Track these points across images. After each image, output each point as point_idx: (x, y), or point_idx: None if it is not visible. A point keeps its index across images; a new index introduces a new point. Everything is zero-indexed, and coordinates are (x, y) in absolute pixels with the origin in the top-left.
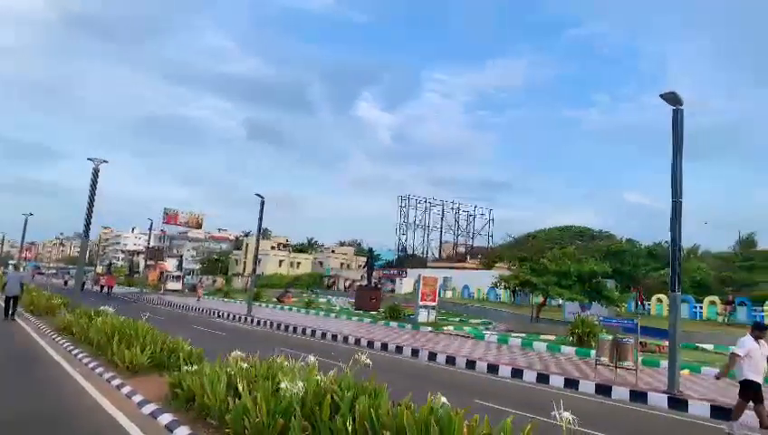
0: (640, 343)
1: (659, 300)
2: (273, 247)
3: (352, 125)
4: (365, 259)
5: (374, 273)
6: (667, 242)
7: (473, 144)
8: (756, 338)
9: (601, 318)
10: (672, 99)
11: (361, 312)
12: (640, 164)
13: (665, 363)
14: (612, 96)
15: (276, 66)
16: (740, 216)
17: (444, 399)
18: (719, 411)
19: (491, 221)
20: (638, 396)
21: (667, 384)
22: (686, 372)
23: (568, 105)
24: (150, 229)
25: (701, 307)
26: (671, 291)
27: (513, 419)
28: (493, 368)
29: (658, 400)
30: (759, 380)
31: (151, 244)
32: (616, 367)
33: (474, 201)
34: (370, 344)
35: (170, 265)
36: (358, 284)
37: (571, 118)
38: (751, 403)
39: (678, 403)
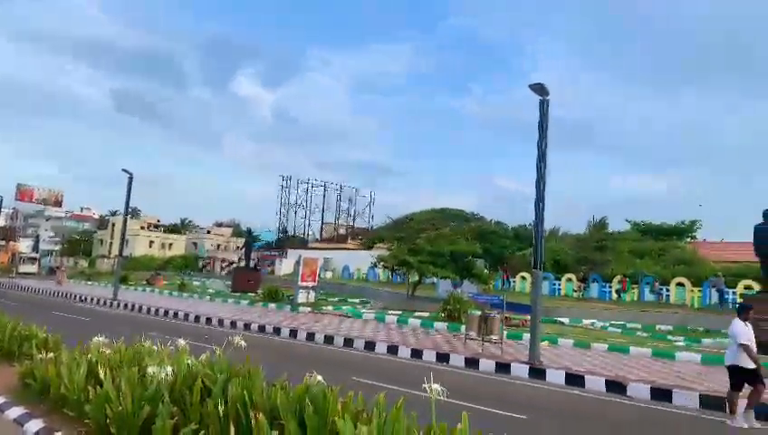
0: (506, 317)
1: (523, 277)
2: (142, 227)
3: (232, 102)
4: (243, 240)
5: (253, 254)
6: (531, 224)
7: (357, 127)
8: (745, 321)
9: (471, 295)
10: (539, 90)
11: (239, 294)
12: (511, 151)
13: (527, 336)
14: (487, 86)
15: (146, 34)
16: (594, 201)
17: (320, 377)
18: (572, 378)
19: (372, 203)
20: (503, 367)
21: (528, 356)
22: (545, 344)
23: (447, 93)
24: (0, 206)
25: (560, 284)
26: (534, 269)
27: (386, 393)
28: (369, 345)
29: (521, 370)
30: (755, 365)
31: (1, 223)
32: (483, 341)
33: (356, 184)
34: (247, 326)
35: (24, 245)
36: (235, 265)
37: (449, 105)
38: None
39: (538, 372)
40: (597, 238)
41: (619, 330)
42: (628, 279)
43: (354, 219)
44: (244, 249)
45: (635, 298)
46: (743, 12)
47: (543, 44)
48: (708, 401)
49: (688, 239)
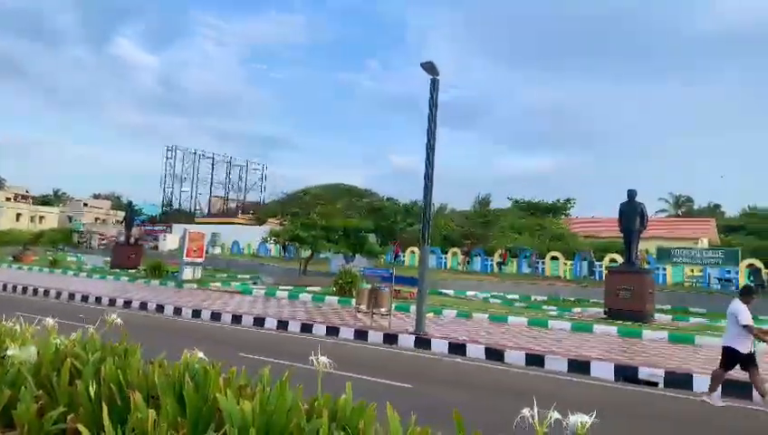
0: (395, 290)
1: (413, 252)
2: (8, 199)
3: (111, 65)
4: (123, 214)
5: (135, 229)
6: (421, 200)
7: (249, 97)
8: (747, 304)
9: (362, 269)
10: (430, 68)
11: (118, 270)
12: (405, 128)
13: (414, 308)
14: (384, 62)
15: None
16: (481, 179)
17: (201, 354)
18: (455, 347)
19: (264, 177)
20: (391, 338)
21: (415, 327)
22: (431, 314)
23: (344, 68)
24: None
25: (446, 258)
26: (422, 244)
27: (274, 368)
28: (259, 321)
29: (407, 340)
30: (751, 349)
31: None
32: (373, 313)
33: (248, 156)
34: (127, 304)
35: None
36: (115, 240)
37: (346, 80)
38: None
39: (423, 342)
40: (481, 215)
41: (499, 301)
42: (508, 253)
43: (245, 193)
44: (124, 223)
45: (514, 271)
46: None
47: (438, 24)
48: (576, 365)
49: (563, 216)
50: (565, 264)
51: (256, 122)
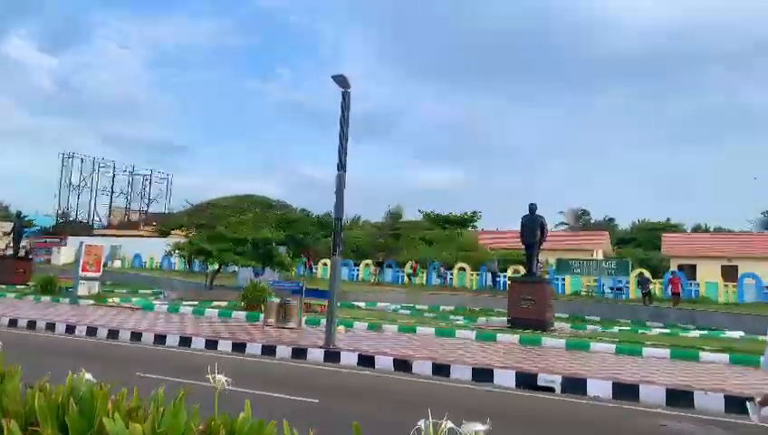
0: (306, 304)
1: (325, 264)
2: None
3: (2, 65)
4: (11, 225)
5: (24, 241)
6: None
7: (152, 103)
8: None
9: (271, 282)
10: (341, 81)
11: (5, 286)
12: (316, 139)
13: (325, 321)
14: (293, 72)
15: None
16: (394, 191)
17: (89, 375)
18: (364, 359)
19: (169, 187)
20: (300, 353)
21: (324, 340)
22: (341, 328)
23: (254, 75)
24: None
25: (358, 270)
26: (333, 255)
27: (173, 387)
28: (160, 338)
29: (316, 354)
30: None
31: None
32: (281, 328)
33: (151, 165)
34: (13, 323)
35: None
36: (2, 254)
37: (255, 88)
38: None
39: (333, 356)
40: (393, 227)
41: (409, 311)
42: (418, 264)
43: (149, 204)
44: (12, 235)
45: (424, 282)
46: (528, 14)
47: (352, 36)
48: (480, 374)
49: (471, 228)
50: (471, 275)
51: (160, 129)
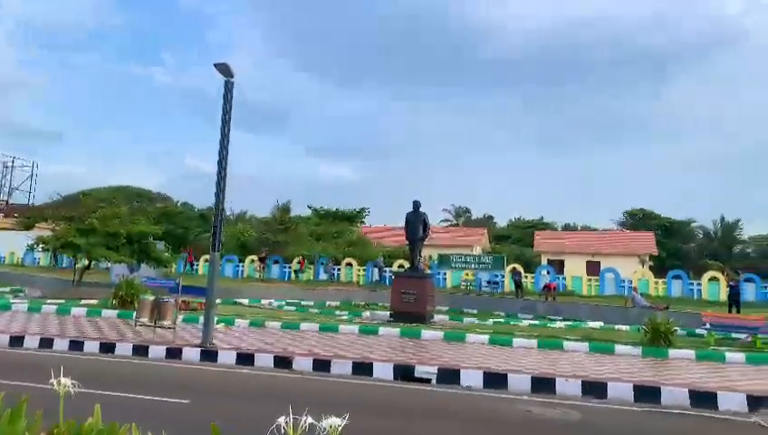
0: (185, 301)
1: (207, 260)
2: None
3: None
4: None
5: None
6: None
7: (21, 85)
8: None
9: (145, 279)
10: (224, 70)
11: None
12: (203, 129)
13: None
14: (179, 59)
15: None
16: (284, 186)
17: None
18: (243, 357)
19: (34, 176)
20: (174, 353)
21: (201, 339)
22: (221, 326)
23: (136, 59)
24: None
25: (243, 266)
26: (212, 251)
27: (14, 392)
28: (17, 340)
29: (192, 354)
30: None
31: None
32: (156, 327)
33: (12, 151)
34: None
35: None
36: None
37: (138, 74)
38: None
39: (210, 355)
40: (281, 221)
41: (294, 308)
42: (305, 260)
43: (10, 194)
44: None
45: (311, 277)
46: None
47: (247, 24)
48: (359, 368)
49: (359, 224)
50: (359, 270)
51: (24, 113)
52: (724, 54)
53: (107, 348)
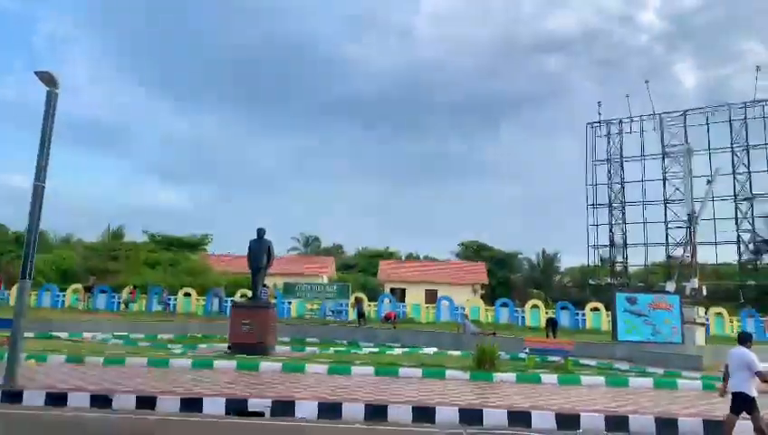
0: None
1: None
2: None
3: None
4: None
5: None
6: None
7: None
8: (749, 349)
9: None
10: (48, 79)
11: None
12: (23, 144)
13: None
14: (3, 65)
15: None
16: (117, 210)
17: None
18: (54, 398)
19: None
20: None
21: (4, 378)
22: (32, 362)
23: None
24: None
25: (65, 295)
26: (21, 278)
27: None
28: None
29: None
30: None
31: None
32: None
33: None
34: None
35: None
36: None
37: None
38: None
39: (14, 396)
40: (111, 248)
41: (122, 341)
42: (137, 289)
43: None
44: None
45: (143, 308)
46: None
47: (80, 37)
48: (188, 404)
49: (200, 251)
50: (197, 300)
51: None
52: (547, 106)
53: None
